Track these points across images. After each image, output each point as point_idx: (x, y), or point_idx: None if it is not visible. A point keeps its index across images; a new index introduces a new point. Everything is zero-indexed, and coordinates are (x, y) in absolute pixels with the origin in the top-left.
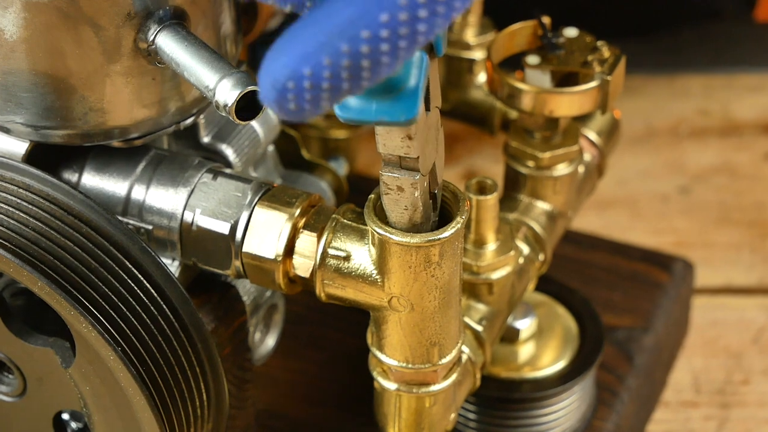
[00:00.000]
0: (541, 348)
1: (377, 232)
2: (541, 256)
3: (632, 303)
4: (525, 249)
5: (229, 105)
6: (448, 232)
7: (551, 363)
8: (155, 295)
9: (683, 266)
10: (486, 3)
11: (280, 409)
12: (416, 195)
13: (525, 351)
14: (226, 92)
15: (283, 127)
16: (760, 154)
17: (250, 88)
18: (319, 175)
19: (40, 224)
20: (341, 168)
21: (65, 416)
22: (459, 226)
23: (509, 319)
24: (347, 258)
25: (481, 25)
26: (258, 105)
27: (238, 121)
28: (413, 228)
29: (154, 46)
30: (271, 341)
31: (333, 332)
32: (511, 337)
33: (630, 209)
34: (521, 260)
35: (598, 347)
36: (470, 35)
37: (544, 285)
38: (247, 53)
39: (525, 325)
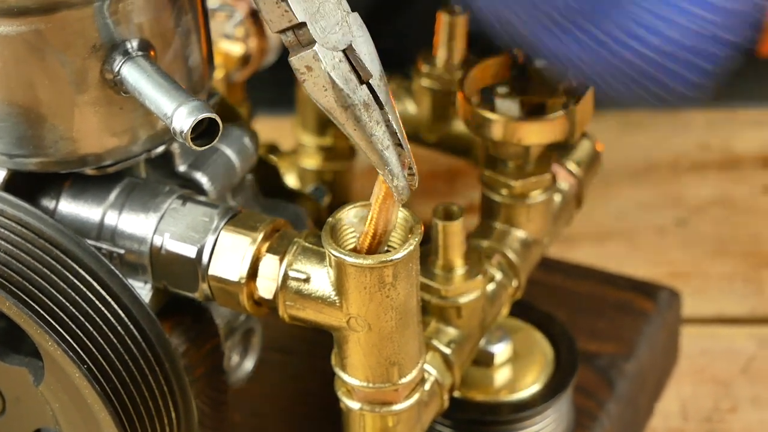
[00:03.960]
0: (517, 372)
1: (333, 255)
2: (514, 282)
3: (616, 331)
4: (498, 275)
5: (185, 131)
6: (400, 253)
7: (527, 387)
8: (122, 315)
9: (669, 295)
10: (471, 40)
11: None
12: (323, 68)
13: (501, 375)
14: (182, 119)
15: (263, 156)
16: (759, 187)
17: (205, 115)
18: (299, 204)
19: (11, 247)
20: (322, 198)
21: None
22: (411, 248)
23: (484, 343)
24: (307, 280)
25: (466, 60)
26: (215, 132)
27: (194, 147)
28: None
29: (119, 77)
30: (249, 364)
31: (320, 362)
32: (486, 361)
33: (627, 241)
34: (493, 286)
35: (572, 370)
36: (455, 70)
37: (523, 311)
38: (244, 91)
39: (500, 350)
